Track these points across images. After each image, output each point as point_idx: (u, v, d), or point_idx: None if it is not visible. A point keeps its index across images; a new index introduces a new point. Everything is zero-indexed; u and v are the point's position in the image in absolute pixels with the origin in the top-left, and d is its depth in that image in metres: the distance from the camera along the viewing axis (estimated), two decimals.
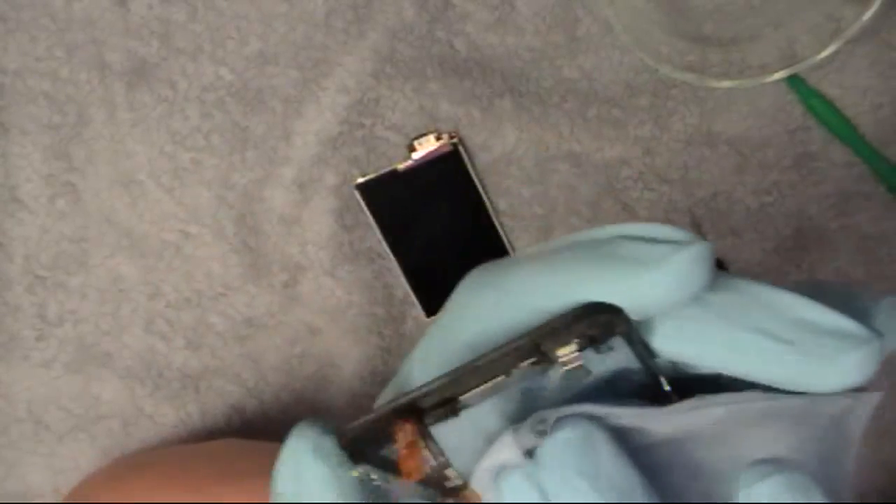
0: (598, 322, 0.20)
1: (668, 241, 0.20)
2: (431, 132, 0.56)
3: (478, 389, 0.22)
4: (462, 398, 0.22)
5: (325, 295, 0.58)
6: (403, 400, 0.21)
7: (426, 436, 0.21)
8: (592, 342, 0.21)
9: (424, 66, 0.56)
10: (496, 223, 0.57)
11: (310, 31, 0.56)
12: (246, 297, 0.59)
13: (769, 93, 0.56)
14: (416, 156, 0.56)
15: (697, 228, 0.57)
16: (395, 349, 0.59)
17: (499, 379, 0.21)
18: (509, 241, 0.58)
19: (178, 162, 0.58)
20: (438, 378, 0.21)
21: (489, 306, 0.22)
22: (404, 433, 0.21)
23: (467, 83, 0.56)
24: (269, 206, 0.58)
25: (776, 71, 0.52)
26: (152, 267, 0.59)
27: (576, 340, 0.21)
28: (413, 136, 0.57)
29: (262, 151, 0.57)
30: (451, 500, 0.22)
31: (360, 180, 0.57)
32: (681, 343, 0.21)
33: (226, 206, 0.58)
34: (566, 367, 0.21)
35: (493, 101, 0.56)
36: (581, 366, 0.21)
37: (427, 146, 0.56)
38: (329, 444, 0.22)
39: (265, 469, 0.49)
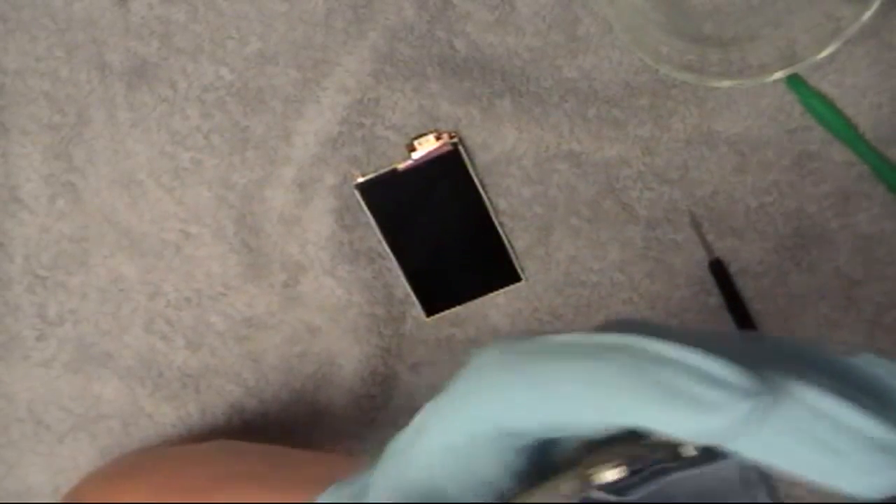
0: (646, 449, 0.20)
1: (726, 384, 0.19)
2: (431, 132, 0.56)
3: None
4: None
5: (325, 295, 0.58)
6: None
7: None
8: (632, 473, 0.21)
9: (424, 66, 0.56)
10: (496, 223, 0.57)
11: (310, 31, 0.56)
12: (246, 297, 0.59)
13: (769, 93, 0.56)
14: (416, 156, 0.56)
15: (697, 228, 0.57)
16: (395, 349, 0.59)
17: None
18: (509, 241, 0.58)
19: (178, 162, 0.58)
20: None
21: (519, 400, 0.21)
22: None
23: (467, 83, 0.56)
24: (269, 206, 0.58)
25: (776, 71, 0.52)
26: (152, 267, 0.59)
27: (618, 464, 0.20)
28: (413, 135, 0.57)
29: (263, 151, 0.57)
30: None
31: (360, 180, 0.57)
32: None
33: (226, 205, 0.58)
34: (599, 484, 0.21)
35: (493, 101, 0.56)
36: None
37: (427, 146, 0.56)
38: None
39: (257, 472, 0.49)
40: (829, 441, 0.20)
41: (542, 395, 0.21)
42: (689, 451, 0.20)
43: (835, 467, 0.20)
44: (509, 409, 0.21)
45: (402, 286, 0.58)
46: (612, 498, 0.20)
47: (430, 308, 0.59)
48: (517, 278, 0.58)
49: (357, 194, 0.57)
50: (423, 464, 0.23)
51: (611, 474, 0.20)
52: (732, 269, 0.57)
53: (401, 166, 0.56)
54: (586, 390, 0.20)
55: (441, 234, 0.58)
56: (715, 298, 0.57)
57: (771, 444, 0.20)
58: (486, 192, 0.57)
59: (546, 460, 0.23)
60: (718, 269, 0.57)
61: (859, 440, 0.20)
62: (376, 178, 0.57)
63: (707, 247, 0.57)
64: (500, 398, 0.21)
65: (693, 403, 0.19)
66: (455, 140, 0.56)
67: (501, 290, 0.58)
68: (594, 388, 0.20)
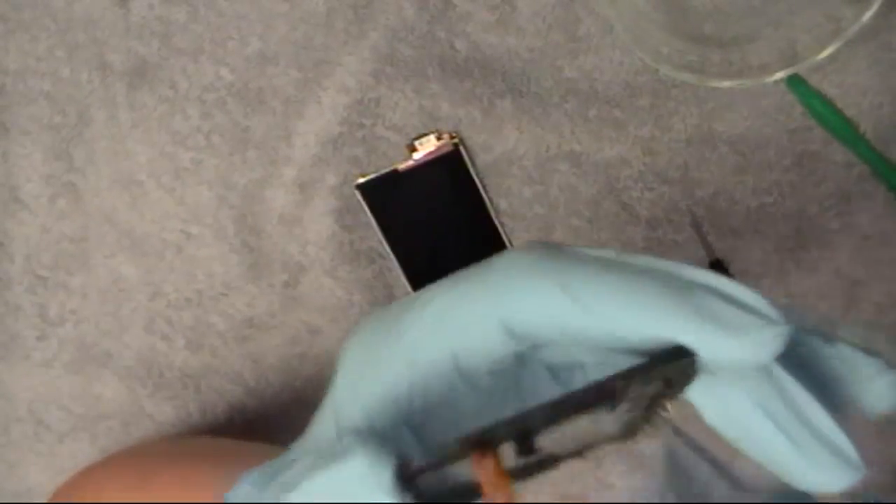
0: (678, 368, 0.21)
1: (754, 310, 0.21)
2: (432, 132, 0.56)
3: (552, 428, 0.21)
4: (536, 436, 0.21)
5: (325, 295, 0.58)
6: (479, 432, 0.21)
7: (498, 470, 0.21)
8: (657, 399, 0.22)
9: (425, 66, 0.56)
10: (497, 223, 0.57)
11: (310, 31, 0.56)
12: (246, 297, 0.59)
13: (769, 93, 0.56)
14: (416, 156, 0.56)
15: (698, 228, 0.57)
16: None
17: (572, 418, 0.21)
18: (510, 241, 0.58)
19: (178, 162, 0.58)
20: (521, 413, 0.21)
21: (560, 306, 0.22)
22: (485, 466, 0.21)
23: (468, 83, 0.56)
24: (269, 206, 0.58)
25: (776, 71, 0.52)
26: (153, 267, 0.59)
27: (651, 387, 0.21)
28: (413, 136, 0.57)
29: (263, 151, 0.57)
30: None
31: (361, 180, 0.57)
32: (717, 409, 0.22)
33: (226, 206, 0.58)
34: (629, 410, 0.22)
35: (494, 102, 0.56)
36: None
37: (428, 146, 0.56)
38: (387, 477, 0.20)
39: (209, 456, 0.49)
40: (790, 429, 0.22)
41: (574, 301, 0.22)
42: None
43: (783, 453, 0.22)
44: (529, 308, 0.22)
45: (403, 286, 0.58)
46: None
47: None
48: None
49: (358, 194, 0.57)
50: (414, 330, 0.23)
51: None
52: (732, 269, 0.57)
53: (401, 166, 0.57)
54: (627, 302, 0.21)
55: (441, 234, 0.58)
56: None
57: (743, 412, 0.22)
58: (486, 193, 0.57)
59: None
60: (718, 269, 0.57)
61: (813, 433, 0.22)
62: (377, 178, 0.57)
63: (707, 247, 0.57)
64: (520, 296, 0.22)
65: (726, 326, 0.21)
66: (456, 140, 0.56)
67: None
68: (635, 302, 0.21)
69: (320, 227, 0.58)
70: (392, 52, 0.56)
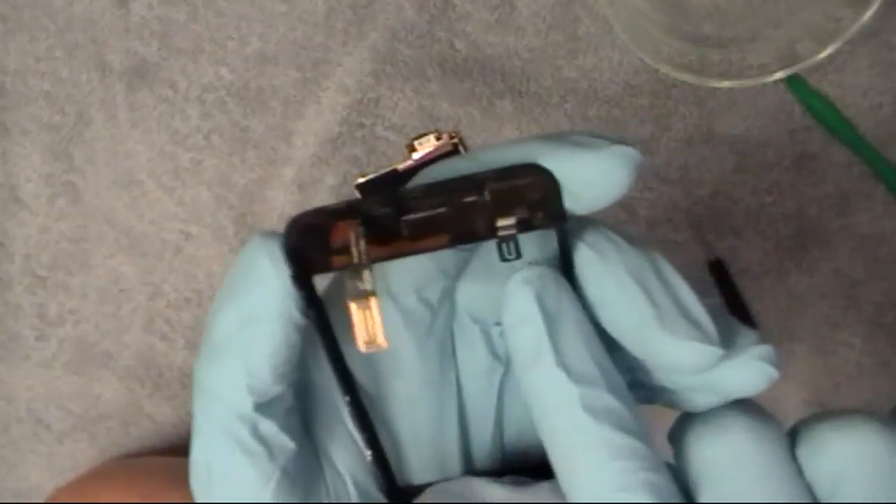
0: (538, 186, 0.23)
1: (613, 141, 0.23)
2: (431, 132, 0.56)
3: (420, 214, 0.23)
4: (404, 218, 0.23)
5: None
6: (344, 203, 0.23)
7: (360, 236, 0.23)
8: (529, 227, 0.23)
9: (424, 66, 0.56)
10: None
11: (310, 31, 0.56)
12: None
13: (769, 93, 0.56)
14: (416, 156, 0.56)
15: (698, 228, 0.57)
16: None
17: (440, 210, 0.23)
18: None
19: (178, 162, 0.58)
20: (390, 190, 0.23)
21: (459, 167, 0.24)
22: (344, 228, 0.23)
23: (467, 83, 0.56)
24: (269, 206, 0.58)
25: (776, 71, 0.52)
26: (152, 267, 0.59)
27: (516, 217, 0.23)
28: (413, 136, 0.57)
29: (263, 151, 0.57)
30: (352, 302, 0.22)
31: (361, 180, 0.57)
32: (584, 265, 0.23)
33: (226, 206, 0.58)
34: (501, 234, 0.23)
35: (494, 101, 0.56)
36: (513, 236, 0.23)
37: (427, 146, 0.56)
38: (276, 246, 0.23)
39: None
40: (653, 292, 0.22)
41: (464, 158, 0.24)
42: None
43: (643, 316, 0.22)
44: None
45: None
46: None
47: None
48: None
49: (357, 195, 0.57)
50: None
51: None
52: (732, 269, 0.57)
53: (401, 167, 0.56)
54: (497, 146, 0.24)
55: None
56: (715, 299, 0.57)
57: (606, 267, 0.23)
58: None
59: None
60: (718, 269, 0.57)
61: (679, 308, 0.22)
62: (376, 178, 0.57)
63: (707, 247, 0.57)
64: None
65: (575, 146, 0.23)
66: (455, 140, 0.56)
67: None
68: (511, 148, 0.24)
69: None
70: (392, 52, 0.56)
